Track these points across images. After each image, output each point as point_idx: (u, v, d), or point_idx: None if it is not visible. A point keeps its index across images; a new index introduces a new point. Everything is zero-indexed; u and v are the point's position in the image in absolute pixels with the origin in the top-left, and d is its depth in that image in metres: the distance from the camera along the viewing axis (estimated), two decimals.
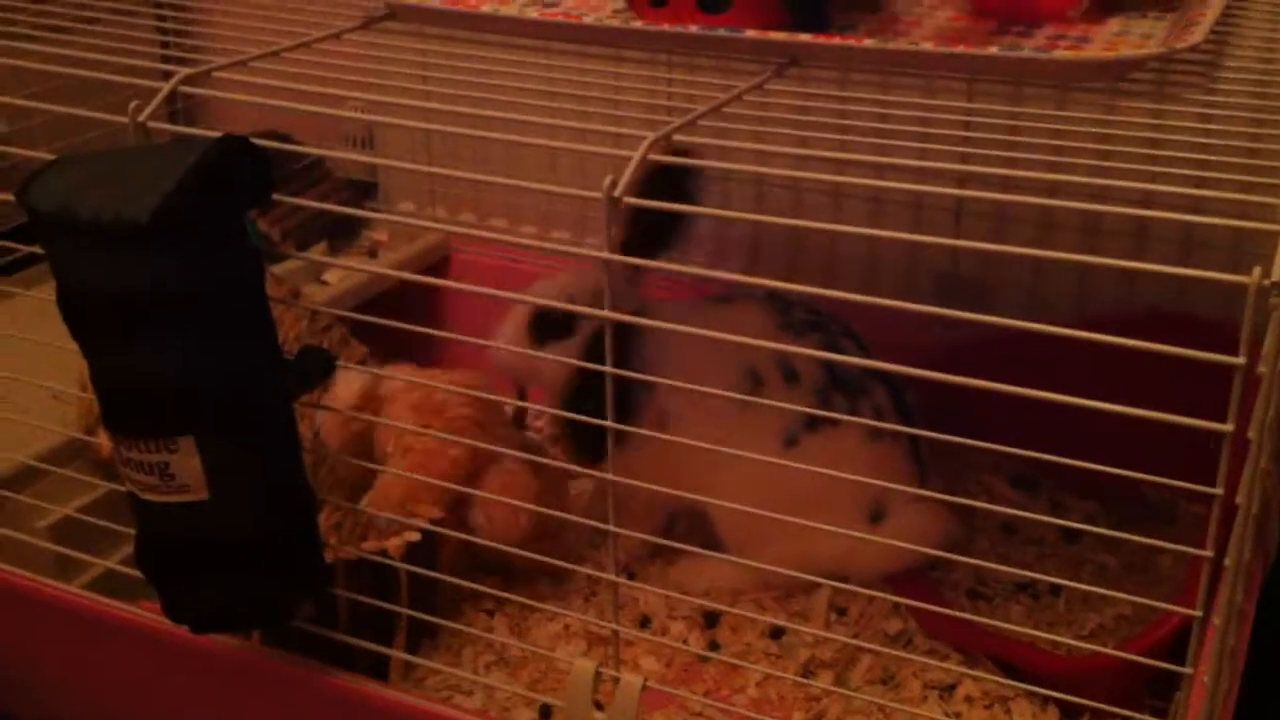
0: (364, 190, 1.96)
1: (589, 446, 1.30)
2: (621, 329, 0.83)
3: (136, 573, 0.97)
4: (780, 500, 0.93)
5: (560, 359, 1.28)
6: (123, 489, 0.94)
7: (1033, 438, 0.81)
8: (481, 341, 0.91)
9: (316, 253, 1.75)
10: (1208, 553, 0.76)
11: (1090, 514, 1.44)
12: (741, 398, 1.23)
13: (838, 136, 0.93)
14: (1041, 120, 0.96)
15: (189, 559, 0.93)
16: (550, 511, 1.16)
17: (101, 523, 1.18)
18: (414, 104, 1.04)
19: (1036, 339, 0.77)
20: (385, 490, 1.29)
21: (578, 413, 1.25)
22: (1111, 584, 1.32)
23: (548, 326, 1.36)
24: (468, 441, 1.27)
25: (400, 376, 1.31)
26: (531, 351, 1.34)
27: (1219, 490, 0.73)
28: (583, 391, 1.19)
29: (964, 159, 1.00)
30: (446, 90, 1.03)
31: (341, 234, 1.82)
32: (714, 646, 1.29)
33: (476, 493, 1.28)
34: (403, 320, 0.97)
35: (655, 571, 1.39)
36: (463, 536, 1.20)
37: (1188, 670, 0.82)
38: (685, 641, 1.30)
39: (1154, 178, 0.83)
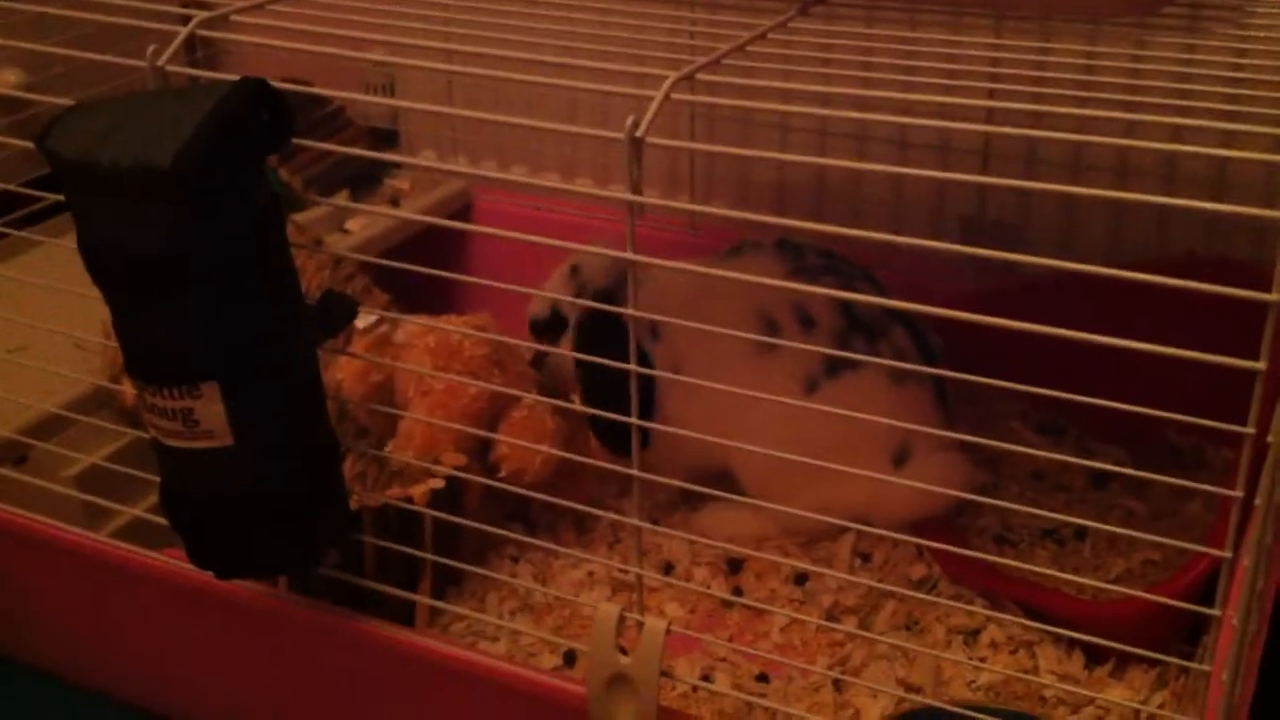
0: (385, 138, 1.95)
1: (612, 437, 1.33)
2: (613, 291, 0.81)
3: (163, 520, 0.98)
4: (802, 448, 0.92)
5: (559, 354, 1.34)
6: (148, 437, 0.94)
7: (1061, 385, 0.79)
8: (502, 285, 0.90)
9: (337, 201, 1.75)
10: (1238, 493, 0.75)
11: (1117, 460, 1.42)
12: (757, 338, 1.22)
13: (863, 74, 0.91)
14: (1071, 57, 0.94)
15: (214, 506, 0.93)
16: (570, 455, 1.16)
17: (128, 470, 1.18)
18: (435, 46, 1.03)
19: (1066, 286, 0.76)
20: (408, 434, 1.29)
21: (593, 391, 1.27)
22: (1139, 529, 1.31)
23: (550, 327, 1.41)
24: (483, 384, 1.29)
25: (413, 320, 1.31)
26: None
27: (1251, 429, 0.72)
28: (590, 368, 1.20)
29: (991, 96, 0.98)
30: (468, 32, 1.02)
31: (363, 182, 1.81)
32: (738, 593, 1.29)
33: (495, 436, 1.29)
34: (427, 267, 0.97)
35: (679, 519, 1.39)
36: (486, 481, 1.20)
37: (1216, 612, 0.81)
38: (709, 587, 1.30)
39: (1185, 114, 0.82)
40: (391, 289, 1.48)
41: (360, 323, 1.30)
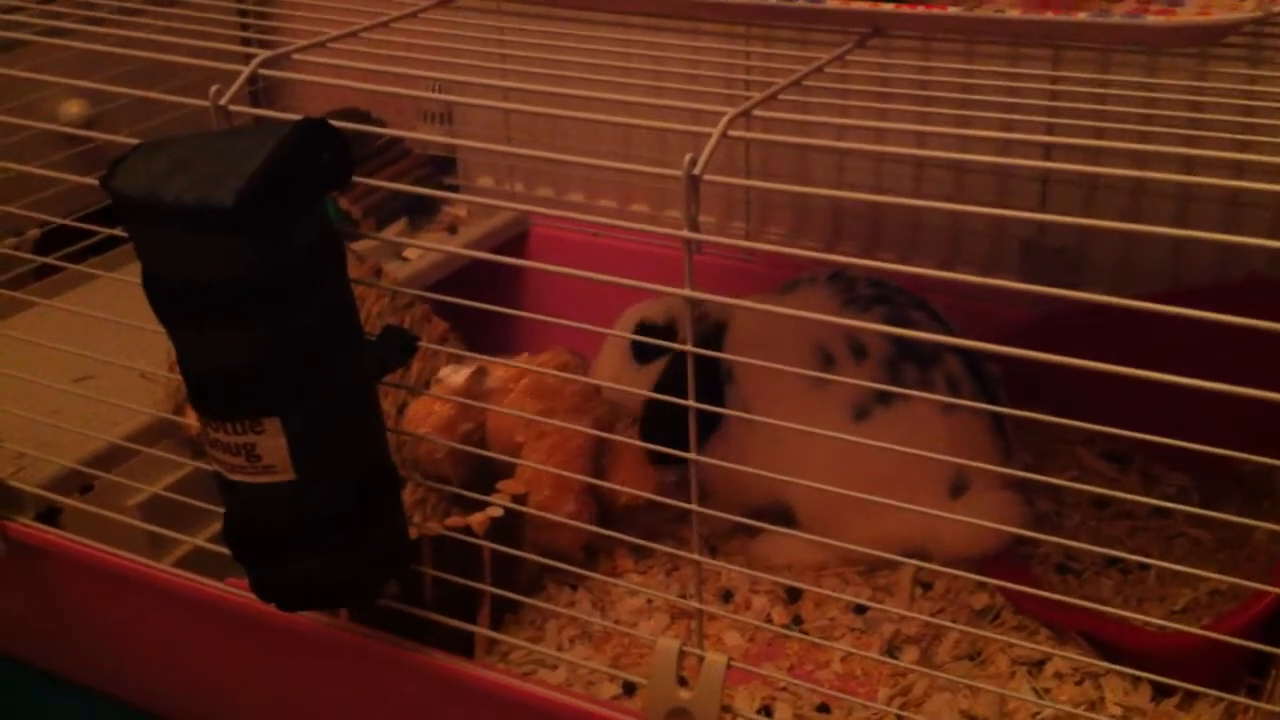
0: (442, 166, 1.96)
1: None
2: (712, 337, 0.81)
3: (225, 550, 0.99)
4: (857, 478, 0.92)
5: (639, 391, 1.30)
6: (210, 467, 0.95)
7: (1124, 411, 0.78)
8: (565, 322, 0.91)
9: (396, 229, 1.77)
10: None
11: (1183, 487, 1.41)
12: (809, 374, 1.23)
13: (920, 109, 0.91)
14: (1130, 88, 0.93)
15: (276, 538, 0.93)
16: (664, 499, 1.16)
17: (190, 501, 1.20)
18: (491, 83, 1.04)
19: (1126, 311, 0.75)
20: (537, 481, 1.30)
21: (655, 418, 1.27)
22: (1205, 558, 1.30)
23: (649, 346, 1.38)
24: (602, 434, 1.32)
25: (504, 363, 1.31)
26: (627, 388, 1.38)
27: None
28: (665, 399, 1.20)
29: (1050, 129, 0.97)
30: (523, 68, 1.03)
31: (421, 210, 1.83)
32: (797, 622, 1.28)
33: (606, 484, 1.32)
34: (483, 295, 0.97)
35: (736, 547, 1.38)
36: (545, 515, 1.21)
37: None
38: (769, 618, 1.29)
39: (1246, 148, 0.80)
40: (450, 317, 1.49)
41: (458, 376, 1.30)
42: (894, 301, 1.32)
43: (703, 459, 0.91)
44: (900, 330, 1.18)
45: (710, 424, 1.28)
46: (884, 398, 1.28)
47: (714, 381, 1.31)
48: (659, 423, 1.33)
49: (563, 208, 1.86)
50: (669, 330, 1.40)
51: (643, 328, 1.41)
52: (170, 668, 1.25)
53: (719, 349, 1.30)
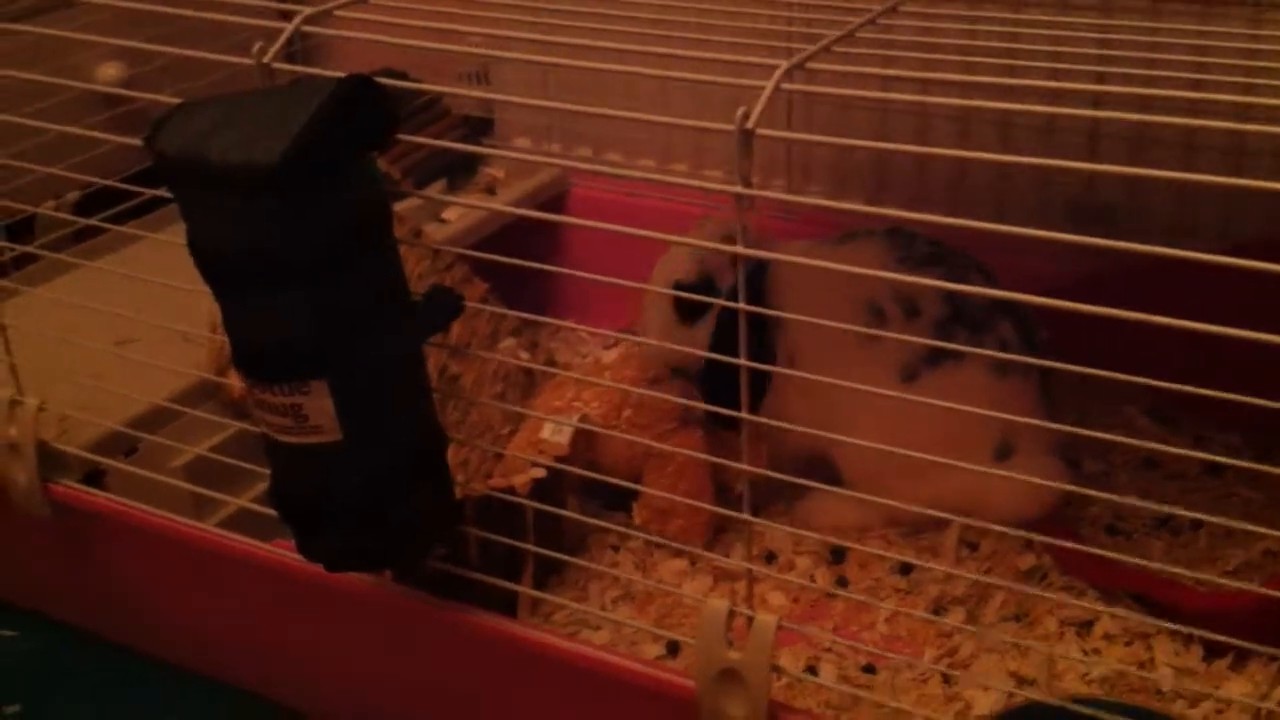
0: (480, 127, 1.95)
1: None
2: (753, 277, 0.80)
3: (270, 511, 0.99)
4: (904, 439, 0.90)
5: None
6: (254, 429, 0.95)
7: (1174, 369, 0.77)
8: (604, 279, 0.90)
9: (435, 190, 1.75)
10: None
11: (1233, 446, 1.39)
12: (860, 330, 1.21)
13: (967, 59, 0.89)
14: (1182, 36, 0.91)
15: (323, 499, 0.93)
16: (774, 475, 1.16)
17: (234, 462, 1.20)
18: (531, 38, 1.03)
19: (1178, 268, 0.73)
20: (669, 511, 1.33)
21: (717, 375, 1.26)
22: (1257, 518, 1.28)
23: (689, 303, 1.35)
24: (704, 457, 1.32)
25: (593, 381, 1.33)
26: (678, 347, 1.36)
27: None
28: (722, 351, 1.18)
29: (1100, 79, 0.95)
30: (565, 23, 1.01)
31: (459, 171, 1.82)
32: (842, 582, 1.28)
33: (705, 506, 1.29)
34: (522, 255, 0.96)
35: (780, 509, 1.38)
36: (585, 474, 1.20)
37: None
38: (813, 578, 1.28)
39: None
40: (490, 278, 1.48)
41: (561, 437, 1.31)
42: (950, 262, 1.29)
43: (760, 419, 0.89)
44: (953, 286, 1.15)
45: (763, 379, 1.27)
46: (933, 360, 1.26)
47: (766, 334, 1.29)
48: (722, 385, 1.30)
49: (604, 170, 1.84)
50: (708, 286, 1.37)
51: (680, 288, 1.38)
52: (215, 629, 1.25)
53: (763, 289, 1.27)
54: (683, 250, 1.37)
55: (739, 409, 0.89)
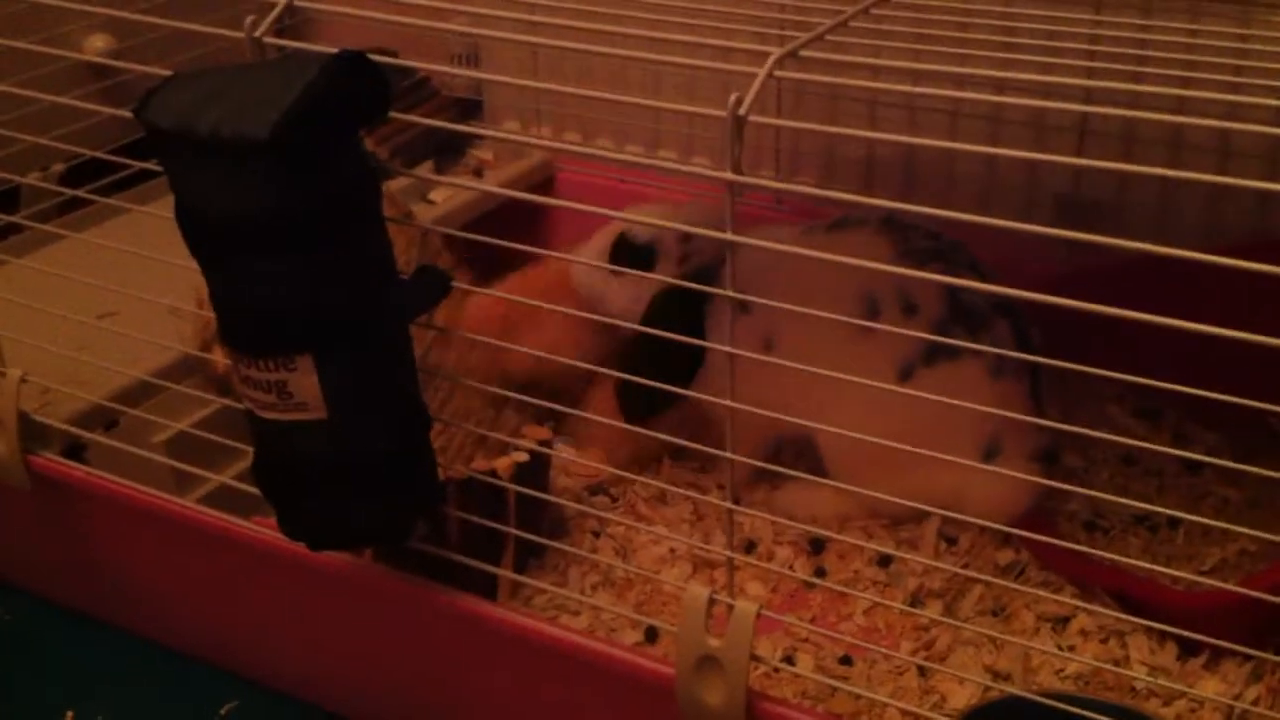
0: (469, 109, 1.95)
1: (636, 404, 1.31)
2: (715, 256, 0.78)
3: (251, 488, 0.98)
4: (891, 434, 0.90)
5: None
6: (237, 405, 0.95)
7: (1156, 367, 0.77)
8: (590, 264, 0.90)
9: (423, 171, 1.75)
10: None
11: (1214, 445, 1.39)
12: (853, 321, 1.19)
13: (958, 51, 0.89)
14: (1172, 34, 0.91)
15: (306, 477, 0.93)
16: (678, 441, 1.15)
17: (216, 438, 1.19)
18: (520, 17, 1.02)
19: (1163, 264, 0.74)
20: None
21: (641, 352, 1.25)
22: (1234, 518, 1.29)
23: (628, 256, 1.34)
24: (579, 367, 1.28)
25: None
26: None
27: None
28: (657, 328, 1.16)
29: (1090, 75, 0.96)
30: (554, 4, 1.01)
31: (447, 153, 1.81)
32: (820, 573, 1.28)
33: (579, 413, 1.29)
34: (509, 239, 0.96)
35: (760, 497, 1.38)
36: (575, 459, 1.20)
37: None
38: (792, 568, 1.29)
39: None
40: (477, 260, 1.47)
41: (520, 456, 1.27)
42: (950, 259, 1.27)
43: (740, 406, 0.89)
44: (952, 280, 1.14)
45: (696, 360, 1.27)
46: (930, 359, 1.25)
47: (698, 321, 1.27)
48: (644, 363, 1.27)
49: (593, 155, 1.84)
50: (648, 250, 1.35)
51: (622, 240, 1.36)
52: (194, 605, 1.25)
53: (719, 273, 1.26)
54: (652, 207, 1.38)
55: (654, 394, 0.88)
